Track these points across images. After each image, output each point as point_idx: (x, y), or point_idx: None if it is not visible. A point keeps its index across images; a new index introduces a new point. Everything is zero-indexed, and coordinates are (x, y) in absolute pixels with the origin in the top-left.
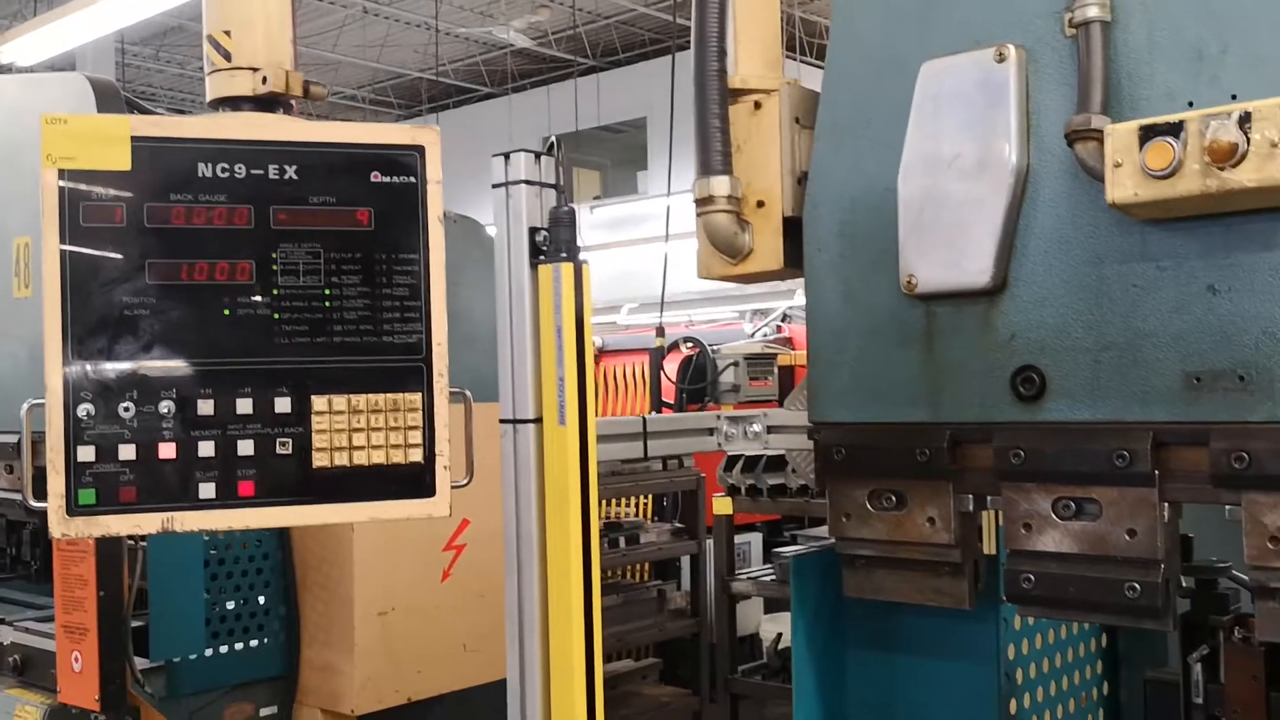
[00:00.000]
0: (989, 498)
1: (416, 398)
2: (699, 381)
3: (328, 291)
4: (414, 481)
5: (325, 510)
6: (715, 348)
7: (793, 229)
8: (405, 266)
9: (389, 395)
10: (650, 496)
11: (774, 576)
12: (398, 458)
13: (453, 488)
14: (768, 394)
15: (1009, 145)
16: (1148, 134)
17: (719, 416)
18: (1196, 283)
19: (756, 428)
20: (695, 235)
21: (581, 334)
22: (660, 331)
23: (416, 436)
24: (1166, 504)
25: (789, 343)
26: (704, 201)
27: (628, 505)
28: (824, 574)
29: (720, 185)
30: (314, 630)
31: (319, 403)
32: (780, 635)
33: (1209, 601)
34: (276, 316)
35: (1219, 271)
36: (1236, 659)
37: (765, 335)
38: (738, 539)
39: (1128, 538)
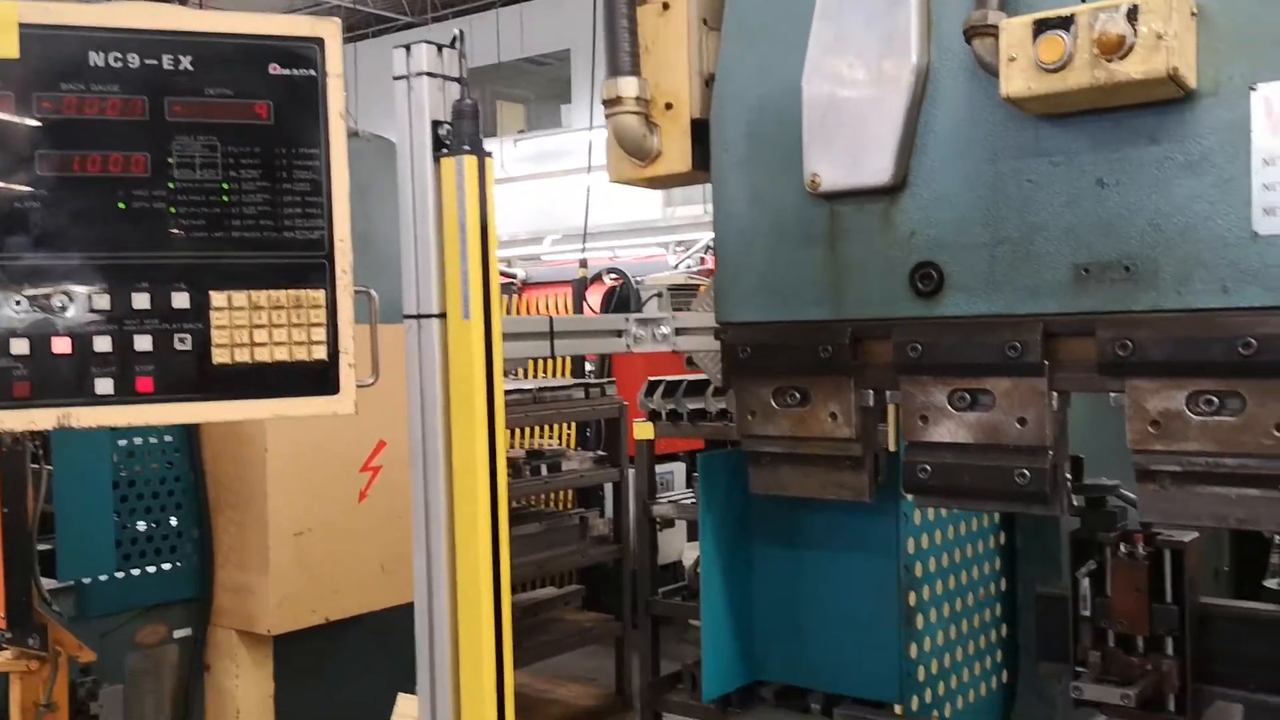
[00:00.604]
0: (889, 392)
1: (319, 294)
2: (622, 312)
3: (226, 186)
4: (318, 379)
5: (227, 407)
6: (639, 279)
7: (701, 131)
8: (306, 161)
9: (291, 291)
10: (574, 425)
11: (695, 500)
12: (301, 355)
13: (358, 387)
14: None
15: (909, 44)
16: (1040, 27)
17: (627, 319)
18: (1086, 177)
19: (664, 329)
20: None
21: (485, 228)
22: (583, 264)
23: (320, 334)
24: (1055, 393)
25: (712, 274)
26: (612, 102)
27: (551, 434)
28: (732, 473)
29: (628, 86)
30: (228, 552)
31: (218, 298)
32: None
33: (1098, 519)
34: (173, 211)
35: (1107, 165)
36: (1122, 572)
37: (689, 267)
38: (661, 469)
39: (1019, 426)
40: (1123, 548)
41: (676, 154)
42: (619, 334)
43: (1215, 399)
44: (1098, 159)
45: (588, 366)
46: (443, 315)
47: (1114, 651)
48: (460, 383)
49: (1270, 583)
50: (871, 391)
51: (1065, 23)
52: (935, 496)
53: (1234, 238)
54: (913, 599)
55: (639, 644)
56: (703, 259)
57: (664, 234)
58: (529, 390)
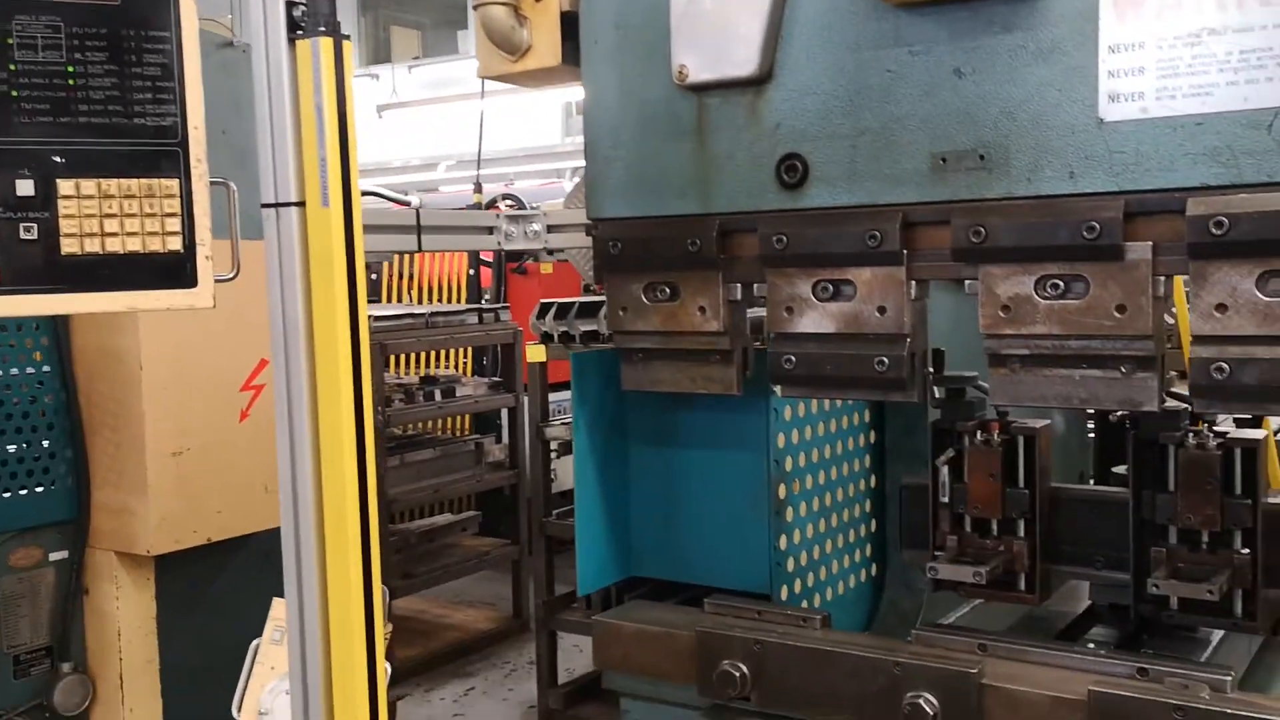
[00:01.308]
0: (755, 285)
1: (173, 184)
2: None
3: (71, 69)
4: (174, 271)
5: (78, 299)
6: (535, 205)
7: (571, 26)
8: (156, 45)
9: (143, 180)
10: (470, 352)
11: None
12: (155, 246)
13: (218, 281)
14: None
15: None
16: None
17: (498, 215)
18: (944, 66)
19: (536, 226)
20: (512, 95)
21: (343, 113)
22: (478, 189)
23: (175, 224)
24: (914, 282)
25: None
26: None
27: (447, 361)
28: (606, 373)
29: None
30: (105, 472)
31: (65, 186)
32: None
33: (957, 409)
34: (15, 94)
35: (964, 55)
36: (977, 459)
37: None
38: (558, 396)
39: (878, 315)
40: (979, 436)
41: (546, 47)
42: (490, 230)
43: (1061, 283)
44: (955, 48)
45: (484, 294)
46: (301, 204)
47: (970, 535)
48: (321, 271)
49: (1119, 469)
50: (739, 285)
51: None
52: (800, 387)
53: (1081, 125)
54: (782, 492)
55: (535, 567)
56: None
57: (561, 160)
58: (421, 315)
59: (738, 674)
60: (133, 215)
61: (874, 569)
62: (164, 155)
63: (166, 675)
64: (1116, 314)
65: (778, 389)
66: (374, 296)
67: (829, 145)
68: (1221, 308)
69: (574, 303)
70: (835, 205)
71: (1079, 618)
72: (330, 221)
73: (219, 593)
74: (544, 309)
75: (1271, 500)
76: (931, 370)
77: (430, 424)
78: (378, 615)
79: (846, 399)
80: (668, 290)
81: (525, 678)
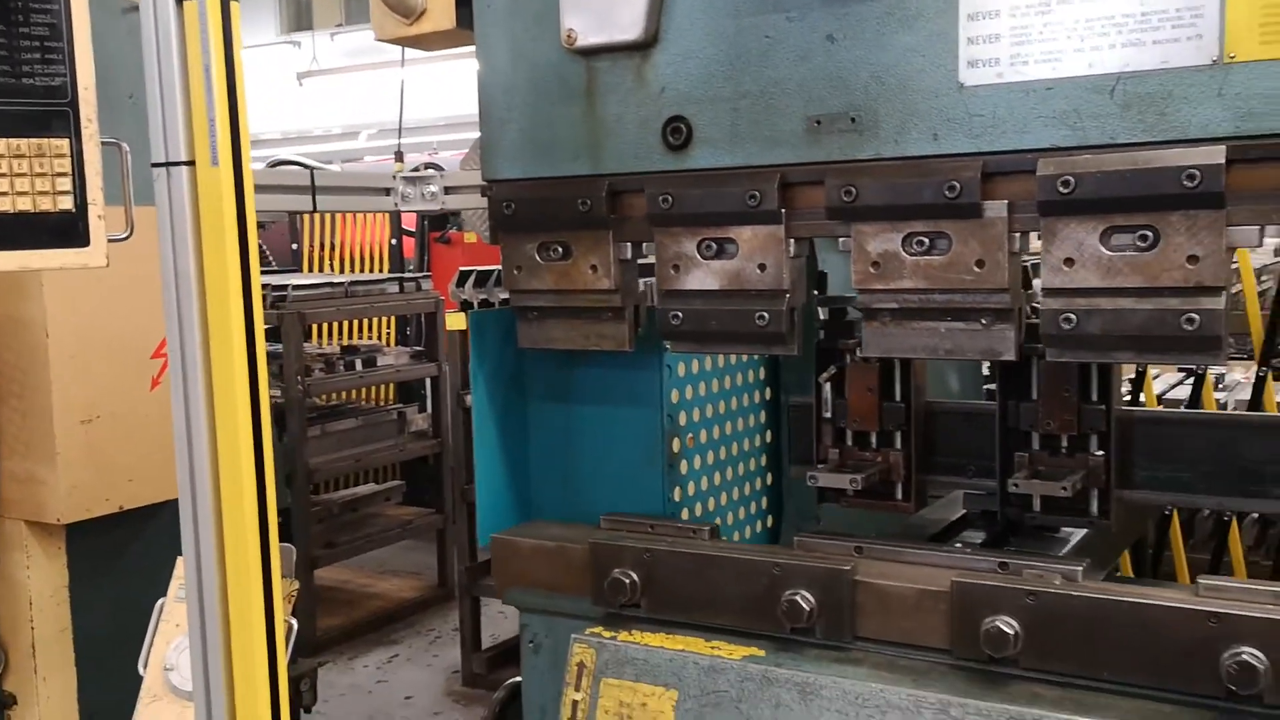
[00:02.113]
0: (644, 244)
1: (63, 143)
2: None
3: None
4: (66, 231)
5: None
6: None
7: None
8: (44, 5)
9: (32, 140)
10: (393, 322)
11: None
12: (46, 205)
13: (111, 241)
14: None
15: None
16: None
17: (395, 176)
18: (818, 32)
19: (433, 188)
20: (435, 63)
21: (232, 73)
22: (399, 157)
23: (65, 184)
24: (792, 240)
25: None
26: None
27: (370, 331)
28: (505, 332)
29: None
30: (13, 442)
31: None
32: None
33: (838, 328)
34: None
35: (837, 21)
36: (856, 375)
37: None
38: None
39: (759, 272)
40: (858, 352)
41: (441, 10)
42: (386, 192)
43: (926, 239)
44: (827, 15)
45: (407, 264)
46: (191, 163)
47: (850, 448)
48: (212, 230)
49: (989, 385)
50: (629, 244)
51: None
52: (687, 342)
53: (943, 89)
54: (676, 446)
55: (458, 535)
56: None
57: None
58: (340, 284)
59: (628, 581)
60: (23, 175)
61: (770, 520)
62: (54, 115)
63: (80, 643)
64: (976, 269)
65: (668, 345)
66: (294, 266)
67: (711, 108)
68: (1069, 262)
69: (493, 271)
70: (718, 166)
71: (952, 524)
72: (220, 180)
73: (133, 560)
74: (463, 277)
75: (1124, 407)
76: (816, 292)
77: (352, 394)
78: (275, 570)
79: (731, 353)
80: (560, 250)
81: (450, 644)
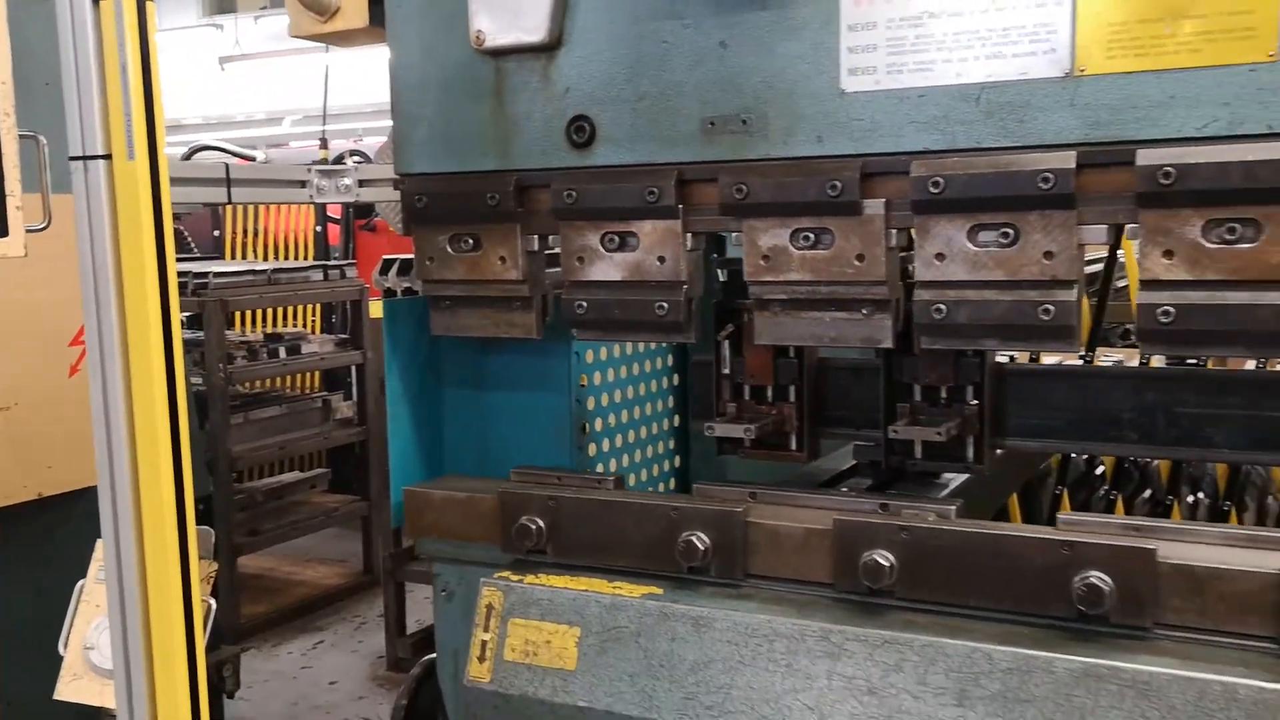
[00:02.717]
0: (551, 237)
1: None
2: None
3: None
4: None
5: None
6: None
7: None
8: None
9: None
10: (318, 310)
11: None
12: None
13: (29, 231)
14: None
15: None
16: None
17: (309, 169)
18: (711, 39)
19: (347, 181)
20: (361, 49)
21: (147, 68)
22: (324, 144)
23: None
24: (689, 234)
25: None
26: None
27: (295, 319)
28: (419, 319)
29: None
30: None
31: None
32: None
33: (736, 288)
34: None
35: (729, 29)
36: (752, 333)
37: None
38: None
39: (659, 264)
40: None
41: (354, 9)
42: (302, 184)
43: (811, 235)
44: (720, 22)
45: (333, 252)
46: (108, 156)
47: (747, 402)
48: (128, 222)
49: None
50: (536, 237)
51: None
52: (592, 330)
53: (826, 94)
54: (586, 429)
55: (383, 521)
56: None
57: None
58: (263, 272)
59: (534, 527)
60: None
61: (675, 482)
62: None
63: (2, 631)
64: (856, 262)
65: (575, 333)
66: (216, 253)
67: (613, 108)
68: (940, 256)
69: None
70: (619, 164)
71: (842, 472)
72: (137, 174)
73: (55, 546)
74: (387, 265)
75: (997, 359)
76: (716, 255)
77: (277, 381)
78: (193, 550)
79: (633, 340)
80: (471, 241)
81: (375, 630)
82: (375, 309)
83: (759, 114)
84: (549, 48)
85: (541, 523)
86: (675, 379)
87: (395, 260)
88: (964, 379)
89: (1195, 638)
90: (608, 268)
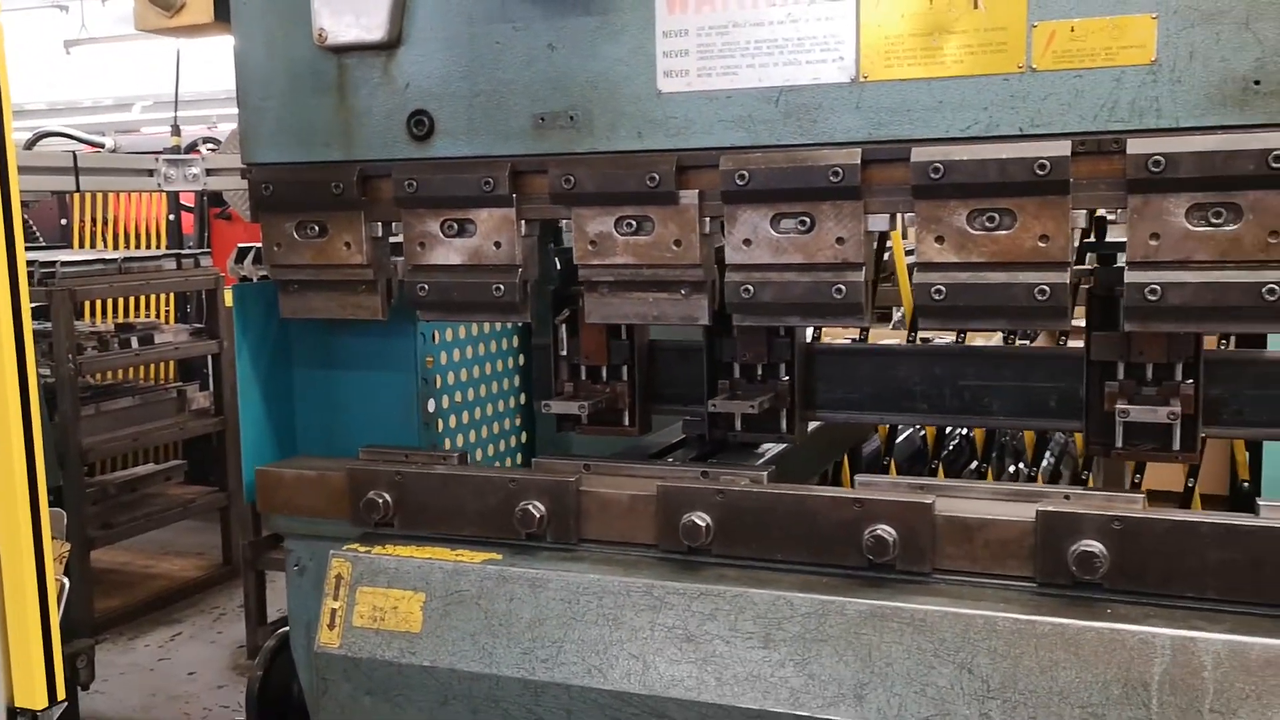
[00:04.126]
0: (394, 224)
1: None
2: None
3: None
4: None
5: None
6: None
7: None
8: None
9: None
10: (173, 299)
11: None
12: None
13: None
14: None
15: None
16: None
17: (157, 158)
18: (540, 41)
19: (195, 170)
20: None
21: None
22: (176, 131)
23: None
24: (523, 221)
25: None
26: None
27: (149, 309)
28: (268, 302)
29: None
30: None
31: None
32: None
33: (571, 276)
34: None
35: (556, 32)
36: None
37: None
38: None
39: (495, 249)
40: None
41: (199, 5)
42: (150, 173)
43: (634, 222)
44: (548, 26)
45: (187, 241)
46: None
47: (584, 382)
48: None
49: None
50: (380, 224)
51: None
52: (434, 311)
53: (645, 94)
54: (431, 406)
55: (242, 511)
56: None
57: None
58: (113, 261)
59: (382, 501)
60: None
61: (521, 458)
62: None
63: None
64: (674, 247)
65: (419, 314)
66: (64, 242)
67: (450, 104)
68: (747, 242)
69: None
70: (457, 155)
71: (671, 445)
72: None
73: None
74: (242, 253)
75: (807, 341)
76: (552, 244)
77: (130, 372)
78: (45, 529)
79: (473, 321)
80: (317, 228)
81: (235, 621)
82: (231, 297)
83: (585, 111)
84: (389, 46)
85: (389, 497)
86: (521, 359)
87: (251, 248)
88: (776, 357)
89: (967, 580)
90: (448, 252)
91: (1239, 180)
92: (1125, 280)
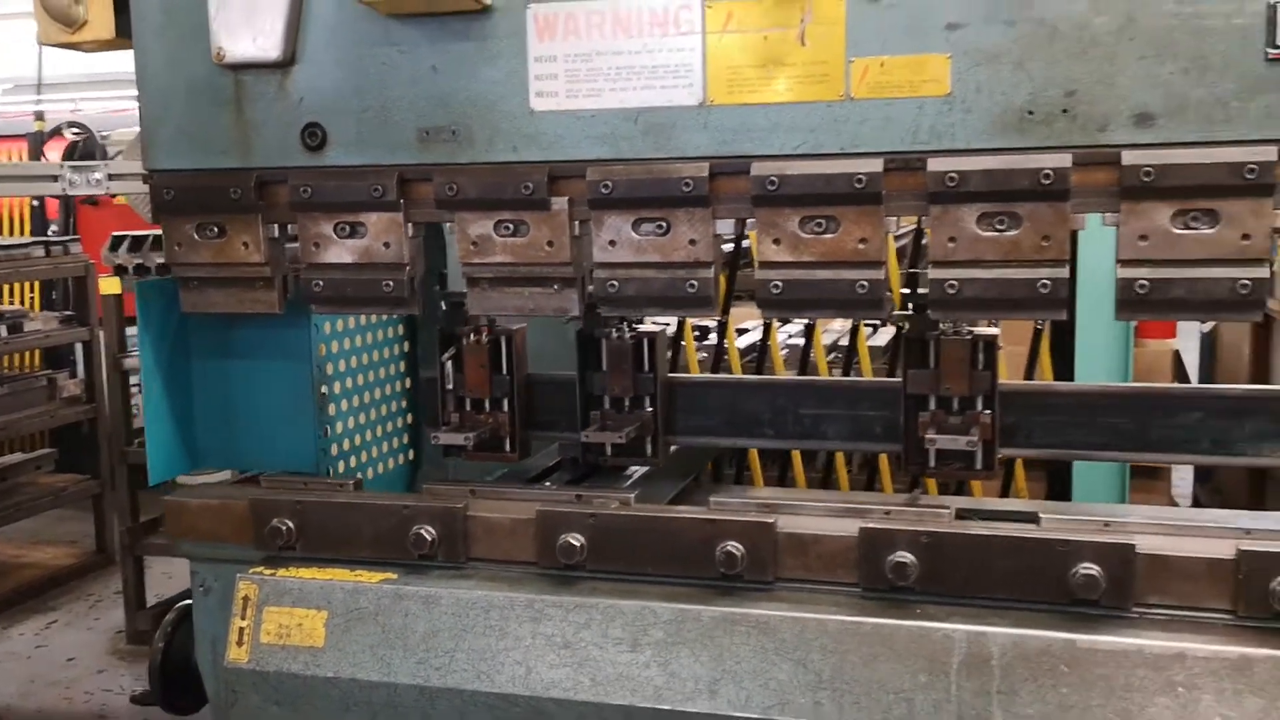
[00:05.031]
0: (290, 225)
1: None
2: None
3: None
4: None
5: None
6: (104, 134)
7: (125, 2)
8: None
9: None
10: (38, 287)
11: None
12: None
13: None
14: None
15: None
16: None
17: (62, 165)
18: (424, 63)
19: (98, 175)
20: None
21: None
22: (39, 116)
23: None
24: (410, 224)
25: None
26: None
27: (12, 296)
28: (170, 297)
29: None
30: None
31: None
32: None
33: (456, 317)
34: None
35: (438, 56)
36: (471, 354)
37: None
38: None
39: (385, 249)
40: (472, 336)
41: (101, 22)
42: (55, 178)
43: (511, 225)
44: (431, 50)
45: (51, 227)
46: None
47: (469, 413)
48: None
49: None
50: (276, 225)
51: None
52: (328, 305)
53: (519, 113)
54: (325, 390)
55: (118, 497)
56: None
57: (133, 86)
58: None
59: (284, 528)
60: None
61: (411, 454)
62: None
63: None
64: (548, 248)
65: (314, 308)
66: None
67: (341, 118)
68: (612, 243)
69: (148, 235)
70: (349, 164)
71: (548, 468)
72: None
73: None
74: (117, 242)
75: (670, 374)
76: (439, 288)
77: None
78: None
79: (366, 313)
80: (216, 229)
81: (112, 607)
82: (106, 285)
83: (465, 127)
84: (284, 65)
85: (291, 524)
86: (406, 346)
87: (126, 237)
88: (642, 390)
89: (803, 587)
90: (340, 252)
91: (1018, 194)
92: (929, 277)
